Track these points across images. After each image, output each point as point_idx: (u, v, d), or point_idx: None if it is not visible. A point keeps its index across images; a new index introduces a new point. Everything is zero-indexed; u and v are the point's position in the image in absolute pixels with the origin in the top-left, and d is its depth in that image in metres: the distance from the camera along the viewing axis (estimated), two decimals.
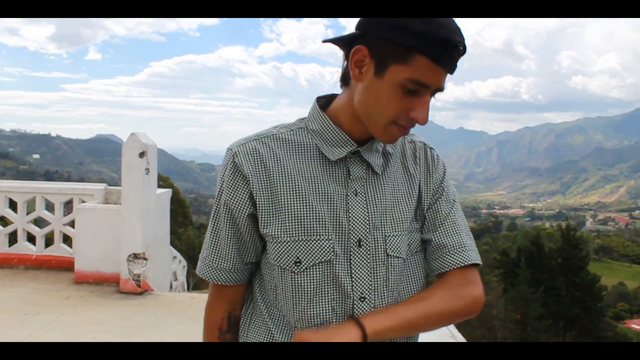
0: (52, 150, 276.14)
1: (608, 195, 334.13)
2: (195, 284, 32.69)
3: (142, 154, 6.61)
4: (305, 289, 1.26)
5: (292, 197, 1.26)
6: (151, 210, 6.86)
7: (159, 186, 7.64)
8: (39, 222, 8.23)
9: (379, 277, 1.29)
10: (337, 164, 1.30)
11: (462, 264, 1.32)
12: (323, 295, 1.26)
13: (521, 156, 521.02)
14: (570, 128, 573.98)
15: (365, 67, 1.20)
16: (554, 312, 36.50)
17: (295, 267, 1.26)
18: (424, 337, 1.37)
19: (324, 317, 1.27)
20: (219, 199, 1.32)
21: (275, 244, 1.27)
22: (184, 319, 5.80)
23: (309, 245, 1.25)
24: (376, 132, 1.26)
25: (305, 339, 1.20)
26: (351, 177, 1.29)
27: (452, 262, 1.33)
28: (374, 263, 1.28)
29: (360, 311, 1.26)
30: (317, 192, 1.27)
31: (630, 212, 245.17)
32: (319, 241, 1.25)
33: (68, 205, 7.91)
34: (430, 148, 1.45)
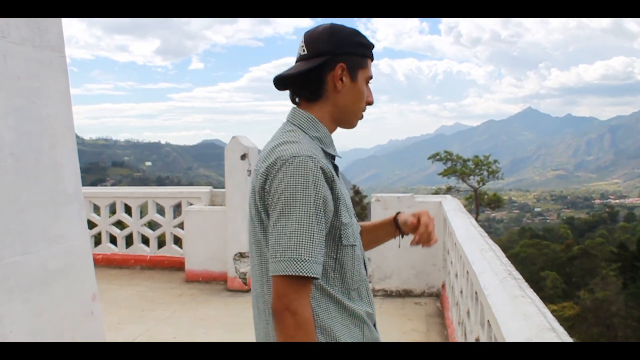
0: (163, 157, 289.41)
1: None
2: None
3: (243, 156, 6.82)
4: (359, 256, 1.66)
5: (344, 192, 1.63)
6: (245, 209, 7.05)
7: None
8: (152, 225, 8.69)
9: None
10: (330, 161, 1.63)
11: None
12: (362, 258, 1.69)
13: (637, 141, 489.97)
14: None
15: (345, 79, 1.63)
16: None
17: (356, 242, 1.64)
18: (521, 334, 1.33)
19: (364, 274, 1.68)
20: (311, 194, 1.45)
21: (349, 229, 1.59)
22: None
23: (356, 226, 1.67)
24: (354, 123, 1.74)
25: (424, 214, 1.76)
26: (338, 169, 1.69)
27: None
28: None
29: (368, 266, 1.67)
30: (344, 186, 1.66)
31: None
32: (355, 221, 1.68)
33: (177, 208, 8.32)
34: None
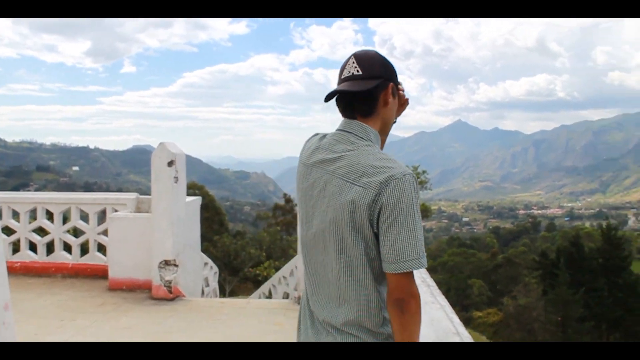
0: (91, 162, 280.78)
1: None
2: (231, 290, 32.94)
3: (170, 163, 6.74)
4: None
5: None
6: (181, 217, 6.98)
7: (194, 195, 7.76)
8: (75, 232, 8.45)
9: None
10: None
11: None
12: None
13: (558, 155, 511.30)
14: (609, 125, 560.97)
15: (391, 97, 1.95)
16: (596, 314, 35.71)
17: None
18: (428, 338, 1.40)
19: None
20: (418, 204, 1.79)
21: None
22: (214, 324, 5.89)
23: None
24: (389, 132, 2.08)
25: None
26: None
27: None
28: None
29: None
30: None
31: None
32: None
33: (103, 215, 8.11)
34: None
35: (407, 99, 2.08)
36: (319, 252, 1.91)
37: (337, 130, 1.97)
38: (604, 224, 44.96)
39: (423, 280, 2.64)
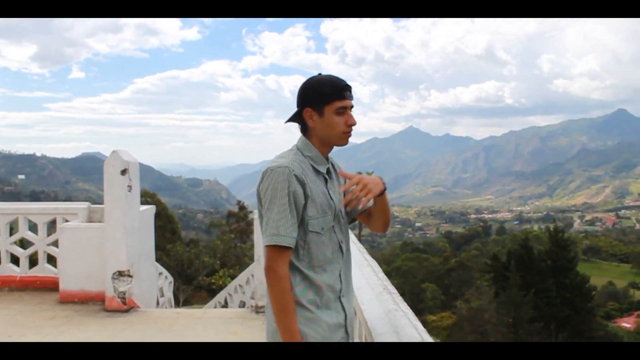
0: (38, 170, 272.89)
1: (594, 196, 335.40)
2: (185, 299, 32.48)
3: (123, 172, 6.61)
4: (325, 242, 2.28)
5: (316, 194, 2.25)
6: (135, 227, 6.84)
7: (146, 203, 7.63)
8: (23, 243, 8.18)
9: (345, 231, 2.43)
10: (320, 174, 2.34)
11: None
12: (330, 244, 2.30)
13: (507, 160, 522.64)
14: (555, 131, 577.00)
15: (314, 117, 2.30)
16: (546, 314, 36.61)
17: (321, 231, 2.27)
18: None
19: (330, 256, 2.29)
20: (285, 191, 2.15)
21: (314, 220, 2.24)
22: (170, 335, 5.79)
23: (325, 219, 2.28)
24: (338, 142, 2.36)
25: (360, 177, 2.25)
26: (327, 181, 2.36)
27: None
28: (344, 225, 2.43)
29: (344, 248, 2.38)
30: (321, 190, 2.29)
31: (617, 211, 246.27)
32: (328, 216, 2.30)
33: (52, 225, 7.88)
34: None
35: (334, 121, 2.30)
36: None
37: None
38: (551, 226, 46.24)
39: (385, 288, 2.65)
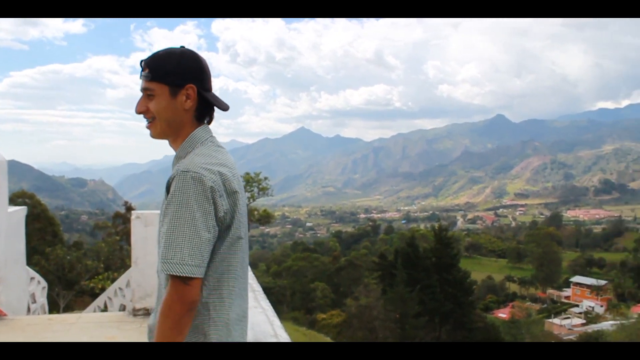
0: None
1: (476, 195, 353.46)
2: (67, 304, 30.96)
3: None
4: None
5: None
6: (2, 229, 6.44)
7: (24, 204, 7.19)
8: None
9: None
10: None
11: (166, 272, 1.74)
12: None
13: (396, 162, 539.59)
14: (440, 134, 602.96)
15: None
16: (430, 309, 38.04)
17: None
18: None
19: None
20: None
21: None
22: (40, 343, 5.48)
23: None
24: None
25: None
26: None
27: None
28: None
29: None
30: None
31: (495, 210, 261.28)
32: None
33: None
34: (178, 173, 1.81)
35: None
36: None
37: (215, 141, 1.99)
38: (436, 225, 48.19)
39: (249, 285, 2.65)
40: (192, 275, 1.69)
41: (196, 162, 1.80)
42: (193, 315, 1.75)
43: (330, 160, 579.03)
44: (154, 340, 1.76)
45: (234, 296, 1.85)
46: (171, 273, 1.68)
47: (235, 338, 1.83)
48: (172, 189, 1.77)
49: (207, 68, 2.00)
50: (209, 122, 2.02)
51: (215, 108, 2.01)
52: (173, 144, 1.99)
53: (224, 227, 1.81)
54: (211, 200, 1.74)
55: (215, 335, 1.79)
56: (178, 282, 1.69)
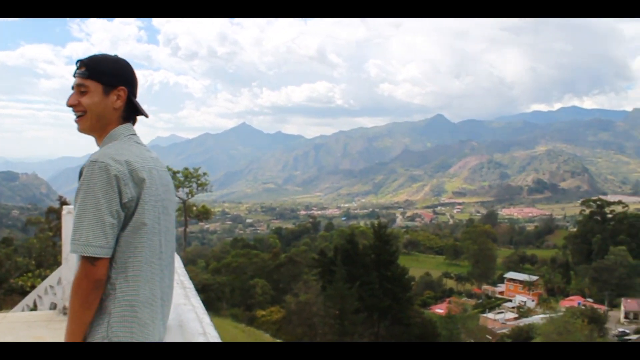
0: None
1: (415, 193, 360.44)
2: None
3: None
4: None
5: None
6: None
7: None
8: None
9: None
10: None
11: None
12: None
13: (336, 159, 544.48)
14: (381, 132, 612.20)
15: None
16: (369, 305, 38.47)
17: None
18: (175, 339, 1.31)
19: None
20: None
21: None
22: None
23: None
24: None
25: None
26: None
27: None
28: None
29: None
30: None
31: (434, 208, 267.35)
32: None
33: None
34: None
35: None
36: None
37: (135, 138, 2.19)
38: (376, 222, 48.74)
39: (179, 283, 2.57)
40: (96, 255, 1.86)
41: (105, 152, 1.97)
42: (100, 294, 1.91)
43: (271, 156, 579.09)
44: (67, 317, 1.96)
45: (141, 279, 1.97)
46: (77, 253, 1.87)
47: (144, 320, 1.96)
48: (82, 177, 1.96)
49: (137, 78, 2.20)
50: (133, 124, 2.24)
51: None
52: (99, 140, 2.18)
53: (129, 213, 1.96)
54: (116, 188, 1.90)
55: (119, 314, 1.93)
56: (85, 262, 1.87)
